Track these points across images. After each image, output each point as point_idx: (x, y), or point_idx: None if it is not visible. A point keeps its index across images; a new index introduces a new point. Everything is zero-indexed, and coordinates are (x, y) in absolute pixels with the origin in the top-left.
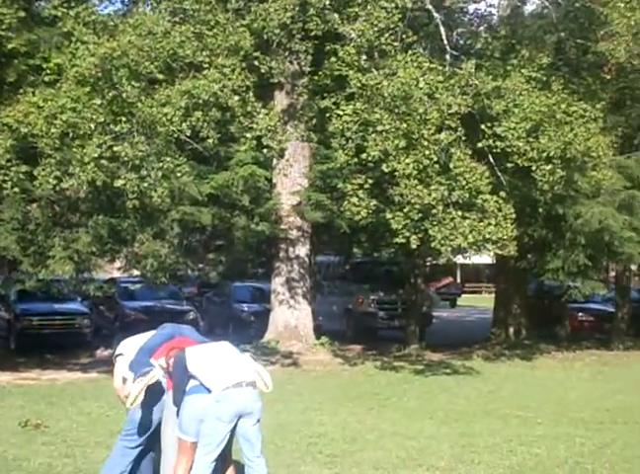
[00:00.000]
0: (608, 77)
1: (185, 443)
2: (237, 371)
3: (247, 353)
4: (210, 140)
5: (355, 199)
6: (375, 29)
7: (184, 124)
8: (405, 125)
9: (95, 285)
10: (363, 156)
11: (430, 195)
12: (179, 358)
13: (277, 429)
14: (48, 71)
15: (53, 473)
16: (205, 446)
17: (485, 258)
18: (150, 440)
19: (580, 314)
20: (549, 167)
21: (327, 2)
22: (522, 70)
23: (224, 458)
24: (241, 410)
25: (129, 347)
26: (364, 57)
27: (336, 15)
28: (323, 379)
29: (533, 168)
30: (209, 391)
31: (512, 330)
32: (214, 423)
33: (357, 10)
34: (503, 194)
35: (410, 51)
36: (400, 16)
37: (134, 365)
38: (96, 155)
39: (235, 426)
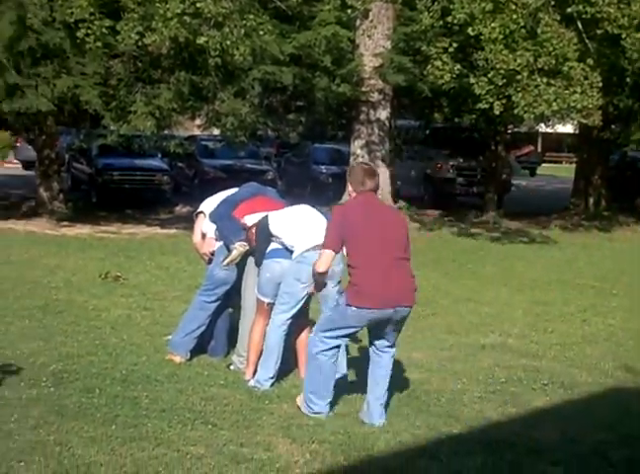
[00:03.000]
0: None
1: (262, 304)
2: (318, 234)
3: None
4: None
5: (438, 63)
6: None
7: None
8: None
9: (175, 142)
10: (449, 19)
11: (515, 60)
12: (262, 223)
13: None
14: None
15: (132, 324)
16: (282, 305)
17: (567, 127)
18: (228, 297)
19: None
20: None
21: None
22: None
23: (301, 318)
24: None
25: (211, 205)
26: None
27: None
28: None
29: (623, 35)
30: (290, 254)
31: (591, 201)
32: (293, 283)
33: None
34: (590, 61)
35: None
36: None
37: (215, 216)
38: (179, 11)
39: None
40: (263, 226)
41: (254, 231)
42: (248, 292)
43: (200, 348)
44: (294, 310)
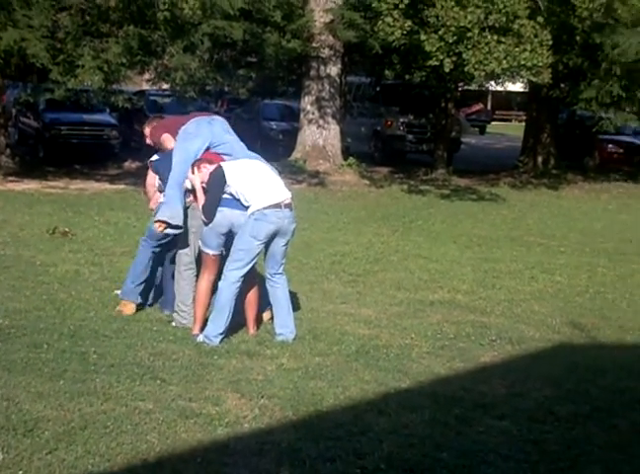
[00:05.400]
0: None
1: (207, 256)
2: (276, 191)
3: None
4: None
5: (389, 19)
6: None
7: None
8: None
9: (124, 97)
10: None
11: (466, 17)
12: (217, 173)
13: (301, 246)
14: None
15: (80, 280)
16: (237, 261)
17: (517, 85)
18: (164, 251)
19: (610, 146)
20: None
21: None
22: None
23: (250, 277)
24: (277, 231)
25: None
26: None
27: None
28: (349, 200)
29: None
30: (235, 203)
31: (540, 159)
32: (249, 240)
33: None
34: (540, 19)
35: None
36: None
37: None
38: None
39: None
40: (218, 175)
41: (206, 179)
42: (184, 249)
43: (149, 302)
44: (249, 267)
